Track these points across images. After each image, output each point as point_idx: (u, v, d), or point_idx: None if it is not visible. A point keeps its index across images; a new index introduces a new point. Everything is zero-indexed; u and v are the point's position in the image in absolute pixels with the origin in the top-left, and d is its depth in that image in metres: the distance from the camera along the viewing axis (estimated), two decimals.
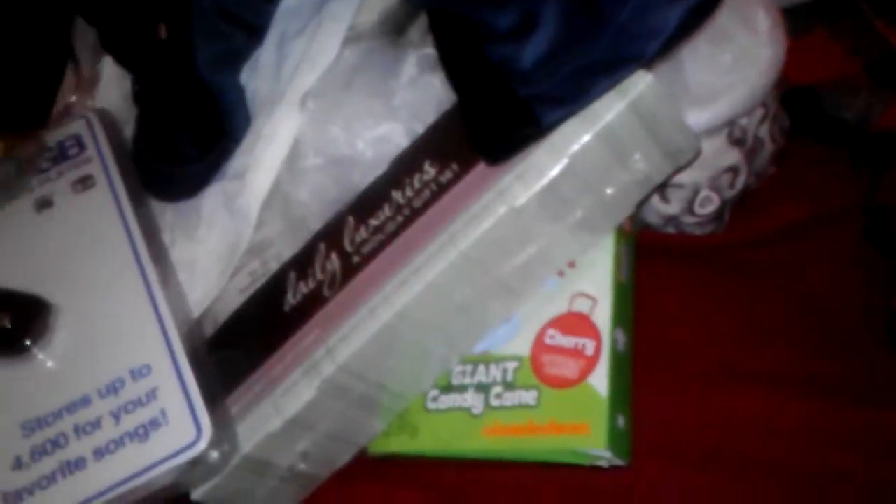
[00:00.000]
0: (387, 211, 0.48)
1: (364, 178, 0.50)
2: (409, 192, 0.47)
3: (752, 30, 0.50)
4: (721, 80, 0.49)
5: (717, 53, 0.50)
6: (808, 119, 0.57)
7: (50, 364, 0.46)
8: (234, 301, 0.51)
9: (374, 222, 0.48)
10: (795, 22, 0.53)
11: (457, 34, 0.46)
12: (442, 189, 0.46)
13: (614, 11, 0.42)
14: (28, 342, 0.45)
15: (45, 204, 0.52)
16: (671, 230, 0.54)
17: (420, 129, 0.49)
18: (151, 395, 0.43)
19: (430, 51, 0.49)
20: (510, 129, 0.43)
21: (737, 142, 0.52)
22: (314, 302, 0.47)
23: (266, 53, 0.54)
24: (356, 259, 0.47)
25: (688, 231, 0.54)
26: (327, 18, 0.51)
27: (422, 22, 0.53)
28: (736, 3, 0.49)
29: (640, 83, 0.42)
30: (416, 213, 0.46)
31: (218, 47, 0.52)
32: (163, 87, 0.52)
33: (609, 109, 0.42)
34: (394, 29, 0.53)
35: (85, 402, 0.44)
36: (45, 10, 0.60)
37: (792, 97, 0.55)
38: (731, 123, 0.51)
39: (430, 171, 0.47)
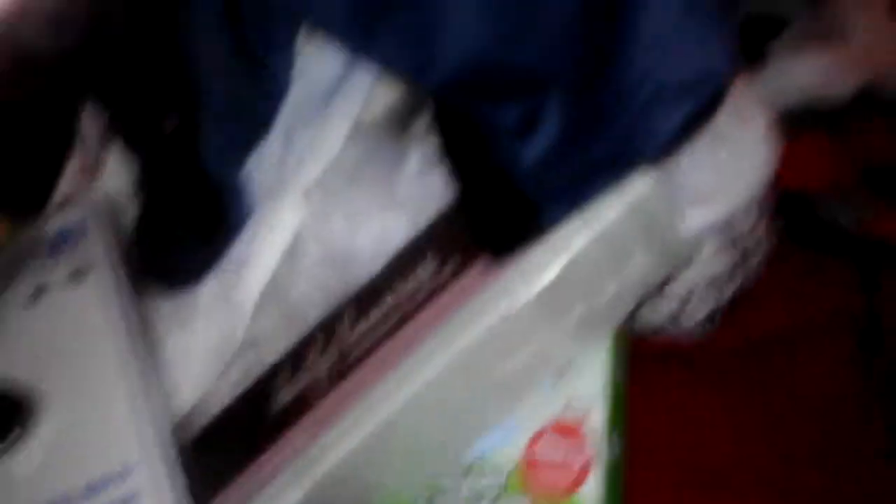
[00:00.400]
0: (385, 306, 0.47)
1: (364, 271, 0.50)
2: (408, 288, 0.47)
3: (746, 129, 0.51)
4: (717, 179, 0.49)
5: (713, 152, 0.50)
6: (801, 224, 0.58)
7: (27, 462, 0.45)
8: (226, 396, 0.51)
9: (371, 317, 0.47)
10: (790, 125, 0.54)
11: (460, 129, 0.47)
12: (441, 286, 0.46)
13: (616, 111, 0.42)
14: (5, 439, 0.45)
15: (38, 293, 0.52)
16: (664, 333, 0.54)
17: (423, 223, 0.49)
18: (133, 498, 0.43)
19: (434, 144, 0.50)
20: (512, 225, 0.44)
21: (731, 243, 0.52)
22: (307, 400, 0.47)
23: (271, 144, 0.54)
24: (352, 356, 0.47)
25: (680, 334, 0.54)
26: (334, 112, 0.52)
27: (427, 115, 0.53)
28: (731, 102, 0.50)
29: (640, 183, 0.42)
30: (415, 310, 0.46)
31: (223, 141, 0.53)
32: (167, 176, 0.53)
33: (609, 209, 0.42)
34: (399, 123, 0.54)
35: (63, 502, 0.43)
36: (56, 90, 0.61)
37: (786, 201, 0.56)
38: (725, 224, 0.51)
39: (430, 266, 0.47)
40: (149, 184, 0.54)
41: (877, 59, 0.58)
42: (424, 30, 0.46)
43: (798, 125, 0.58)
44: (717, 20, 0.44)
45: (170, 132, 0.52)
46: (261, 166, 0.54)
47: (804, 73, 0.59)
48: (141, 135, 0.55)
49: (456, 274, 0.46)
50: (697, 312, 0.53)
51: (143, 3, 0.53)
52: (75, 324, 0.50)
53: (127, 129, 0.56)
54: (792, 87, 0.58)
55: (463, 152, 0.46)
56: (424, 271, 0.47)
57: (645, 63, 0.41)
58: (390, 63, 0.49)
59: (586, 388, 0.47)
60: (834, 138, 0.59)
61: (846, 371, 0.52)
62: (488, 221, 0.45)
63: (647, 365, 0.51)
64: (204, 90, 0.52)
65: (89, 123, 0.60)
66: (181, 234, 0.52)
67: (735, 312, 0.54)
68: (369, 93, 0.53)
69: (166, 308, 0.53)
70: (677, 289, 0.52)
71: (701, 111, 0.42)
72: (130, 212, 0.58)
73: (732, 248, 0.52)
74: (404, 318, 0.46)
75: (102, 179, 0.60)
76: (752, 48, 0.57)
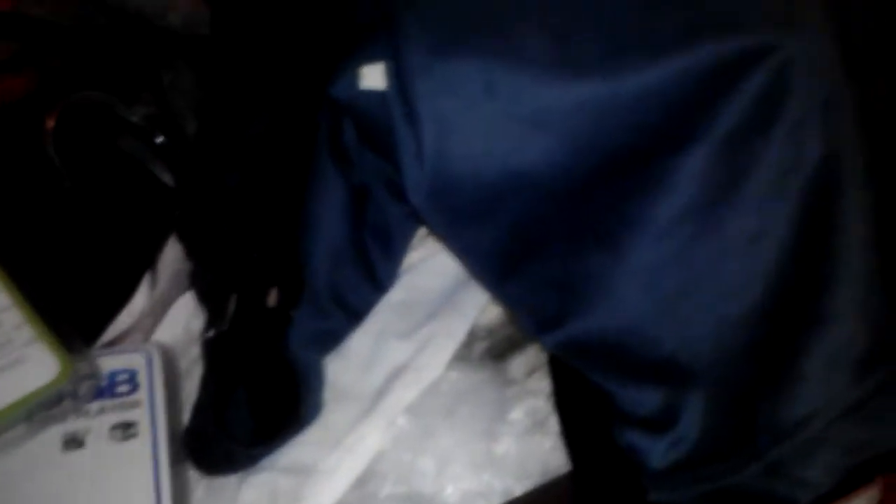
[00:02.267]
0: None
1: None
2: None
3: None
4: None
5: None
6: None
7: None
8: None
9: None
10: None
11: (584, 400, 0.44)
12: None
13: (768, 437, 0.39)
14: None
15: (75, 443, 0.47)
16: None
17: (518, 489, 0.46)
18: None
19: (539, 402, 0.47)
20: None
21: None
22: None
23: (358, 342, 0.52)
24: None
25: None
26: (440, 332, 0.50)
27: (529, 355, 0.51)
28: None
29: None
30: None
31: (316, 326, 0.50)
32: (244, 353, 0.50)
33: None
34: (498, 354, 0.51)
35: None
36: (141, 227, 0.58)
37: None
38: None
39: None
40: (218, 352, 0.51)
41: None
42: (570, 284, 0.44)
43: None
44: None
45: (267, 308, 0.49)
46: (342, 363, 0.52)
47: None
48: (224, 298, 0.52)
49: None
50: None
51: (275, 180, 0.52)
52: (111, 487, 0.45)
53: (212, 287, 0.53)
54: None
55: (582, 426, 0.44)
56: None
57: (814, 398, 0.40)
58: (520, 308, 0.47)
59: None
60: None
61: None
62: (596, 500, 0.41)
63: None
64: (312, 271, 0.50)
65: (166, 264, 0.57)
66: (240, 421, 0.48)
67: None
68: (476, 319, 0.51)
69: (202, 493, 0.48)
70: None
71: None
72: (184, 364, 0.54)
73: None
74: None
75: (164, 323, 0.56)
76: None
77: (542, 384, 0.49)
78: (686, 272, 0.42)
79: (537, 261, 0.45)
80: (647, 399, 0.42)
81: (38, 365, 0.47)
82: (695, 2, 0.42)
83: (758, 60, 0.40)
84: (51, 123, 0.56)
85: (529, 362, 0.51)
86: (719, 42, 0.40)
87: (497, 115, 0.44)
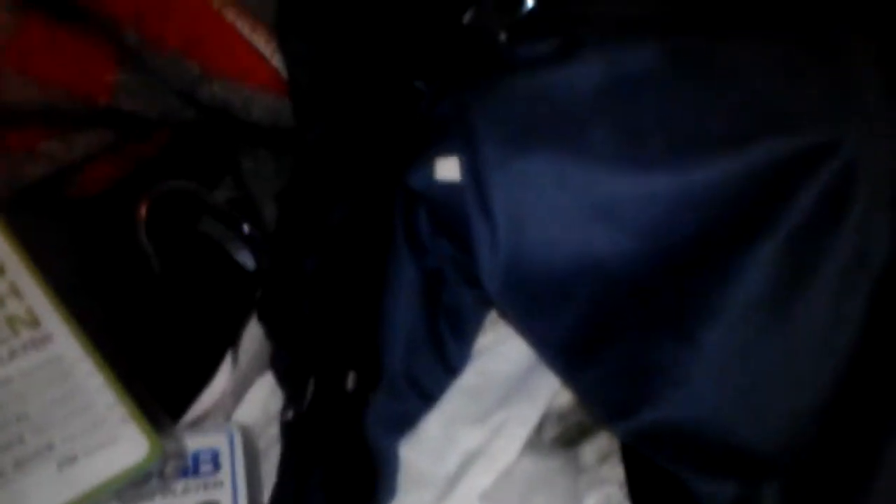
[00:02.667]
0: None
1: None
2: None
3: None
4: None
5: None
6: None
7: None
8: None
9: None
10: None
11: (658, 489, 0.45)
12: None
13: None
14: None
15: None
16: None
17: None
18: None
19: (613, 490, 0.48)
20: None
21: None
22: None
23: (431, 427, 0.53)
24: None
25: None
26: (513, 419, 0.51)
27: (601, 441, 0.52)
28: None
29: None
30: None
31: (392, 408, 0.51)
32: (321, 435, 0.51)
33: None
34: (569, 440, 0.52)
35: None
36: (222, 308, 0.61)
37: None
38: None
39: None
40: (296, 434, 0.53)
41: None
42: (642, 373, 0.45)
43: None
44: None
45: (345, 391, 0.51)
46: (416, 447, 0.53)
47: None
48: (303, 380, 0.54)
49: None
50: None
51: (352, 266, 0.54)
52: None
53: (291, 369, 0.55)
54: None
55: None
56: None
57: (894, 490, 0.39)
58: (592, 397, 0.48)
59: None
60: None
61: None
62: None
63: None
64: (388, 354, 0.52)
65: (246, 346, 0.60)
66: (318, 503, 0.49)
67: None
68: (548, 405, 0.52)
69: None
70: None
71: None
72: (263, 444, 0.56)
73: None
74: None
75: (243, 406, 0.58)
76: None
77: (616, 472, 0.49)
78: (758, 363, 0.43)
79: (609, 350, 0.46)
80: (722, 490, 0.42)
81: (130, 444, 0.49)
82: (757, 99, 0.44)
83: (821, 158, 0.41)
84: (143, 212, 0.60)
85: (602, 449, 0.51)
86: (781, 140, 0.42)
87: (568, 206, 0.45)
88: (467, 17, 0.53)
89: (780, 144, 0.41)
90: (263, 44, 0.60)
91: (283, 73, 0.60)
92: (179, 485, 0.51)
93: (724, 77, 0.44)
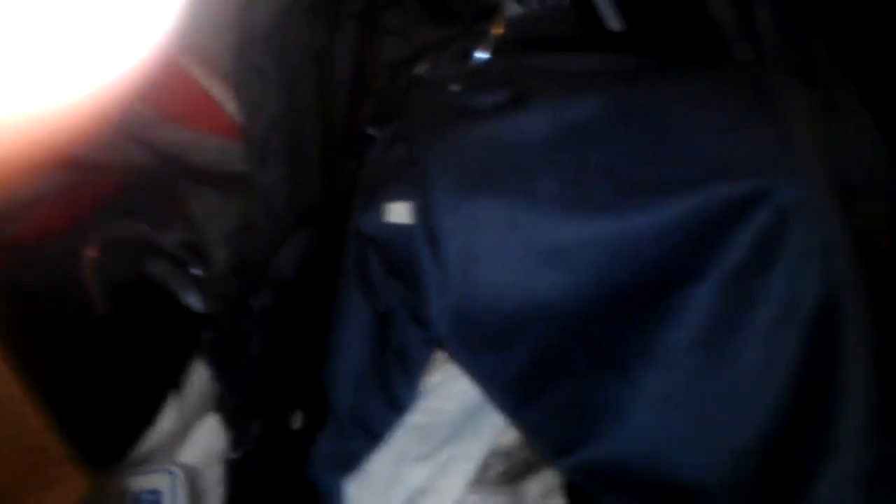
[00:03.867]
0: None
1: None
2: None
3: None
4: None
5: None
6: None
7: None
8: None
9: None
10: None
11: None
12: None
13: None
14: None
15: None
16: None
17: None
18: None
19: None
20: None
21: None
22: None
23: (378, 465, 0.53)
24: None
25: None
26: (459, 456, 0.51)
27: (545, 477, 0.53)
28: None
29: None
30: None
31: (339, 447, 0.52)
32: (266, 474, 0.51)
33: None
34: (515, 476, 0.53)
35: None
36: (168, 350, 0.60)
37: None
38: None
39: None
40: (241, 473, 0.52)
41: None
42: (585, 410, 0.46)
43: None
44: None
45: (291, 430, 0.51)
46: (363, 485, 0.53)
47: None
48: (249, 421, 0.53)
49: None
50: None
51: (301, 308, 0.55)
52: None
53: (237, 410, 0.55)
54: None
55: None
56: None
57: None
58: (536, 433, 0.49)
59: None
60: None
61: None
62: None
63: None
64: (336, 394, 0.52)
65: (192, 387, 0.59)
66: None
67: None
68: (494, 443, 0.53)
69: None
70: None
71: None
72: (206, 485, 0.55)
73: None
74: None
75: (186, 446, 0.57)
76: None
77: None
78: (697, 401, 0.45)
79: (554, 388, 0.47)
80: None
81: (68, 485, 0.48)
82: (698, 150, 0.47)
83: (755, 206, 0.44)
84: (91, 254, 0.60)
85: (546, 485, 0.52)
86: (718, 187, 0.44)
87: (517, 250, 0.47)
88: (422, 68, 0.55)
89: (718, 192, 0.44)
90: (218, 89, 0.61)
91: (237, 117, 0.61)
92: None
93: (666, 128, 0.47)
